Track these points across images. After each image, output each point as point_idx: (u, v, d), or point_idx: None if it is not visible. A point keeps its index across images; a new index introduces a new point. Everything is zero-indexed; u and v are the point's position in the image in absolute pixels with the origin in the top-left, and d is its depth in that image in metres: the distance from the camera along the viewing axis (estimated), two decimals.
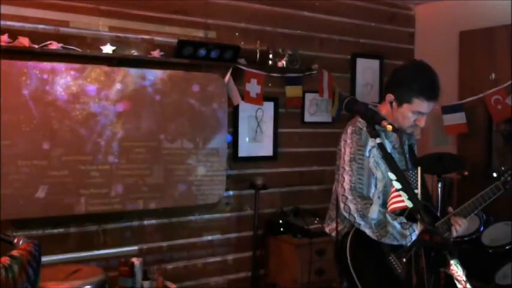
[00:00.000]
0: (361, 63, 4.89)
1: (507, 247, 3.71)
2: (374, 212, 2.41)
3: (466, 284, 1.55)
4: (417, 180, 2.05)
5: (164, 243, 3.94)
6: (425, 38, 5.12)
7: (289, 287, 4.03)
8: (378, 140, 1.89)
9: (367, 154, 2.40)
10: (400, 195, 1.83)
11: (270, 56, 4.24)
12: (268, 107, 4.34)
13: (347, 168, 2.41)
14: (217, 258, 4.20)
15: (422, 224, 1.67)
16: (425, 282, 2.14)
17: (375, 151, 2.39)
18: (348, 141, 2.45)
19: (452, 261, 1.57)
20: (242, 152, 4.25)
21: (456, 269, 1.57)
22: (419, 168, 2.10)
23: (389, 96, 2.45)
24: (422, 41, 5.16)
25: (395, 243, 2.34)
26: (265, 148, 4.38)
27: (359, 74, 4.87)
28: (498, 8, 4.38)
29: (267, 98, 4.24)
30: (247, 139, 4.27)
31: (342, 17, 4.74)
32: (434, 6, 5.02)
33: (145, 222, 3.84)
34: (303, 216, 4.22)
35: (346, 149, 2.44)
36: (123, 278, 3.41)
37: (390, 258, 2.38)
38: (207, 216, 4.12)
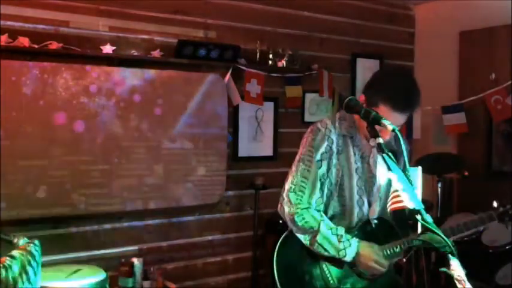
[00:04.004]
0: (361, 63, 4.89)
1: (507, 247, 3.71)
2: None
3: (466, 284, 1.55)
4: (417, 180, 2.05)
5: (164, 243, 3.94)
6: (425, 38, 5.12)
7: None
8: (378, 140, 1.88)
9: (317, 157, 2.24)
10: (399, 195, 1.83)
11: (270, 56, 4.24)
12: (268, 107, 4.34)
13: (293, 168, 2.29)
14: (217, 258, 4.20)
15: (422, 225, 1.67)
16: (425, 283, 2.13)
17: (342, 158, 2.23)
18: (304, 141, 2.32)
19: (452, 261, 1.57)
20: (242, 152, 4.24)
21: (456, 269, 1.57)
22: (419, 168, 2.10)
23: (361, 97, 2.21)
24: (422, 41, 5.16)
25: (326, 254, 2.20)
26: (265, 148, 4.38)
27: (359, 74, 4.87)
28: (498, 8, 4.38)
29: (267, 98, 4.24)
30: (247, 139, 4.27)
31: (342, 17, 4.74)
32: (434, 6, 5.02)
33: (145, 222, 3.84)
34: None
35: (300, 149, 2.32)
36: (123, 278, 3.41)
37: (322, 266, 2.25)
38: (207, 216, 4.12)
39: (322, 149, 2.25)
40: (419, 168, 2.17)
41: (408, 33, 5.20)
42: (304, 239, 2.22)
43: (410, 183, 1.69)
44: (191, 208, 3.98)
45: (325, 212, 2.29)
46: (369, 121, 1.90)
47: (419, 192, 2.09)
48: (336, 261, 2.22)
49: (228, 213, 4.23)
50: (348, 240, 2.19)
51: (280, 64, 4.26)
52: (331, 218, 2.28)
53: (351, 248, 2.18)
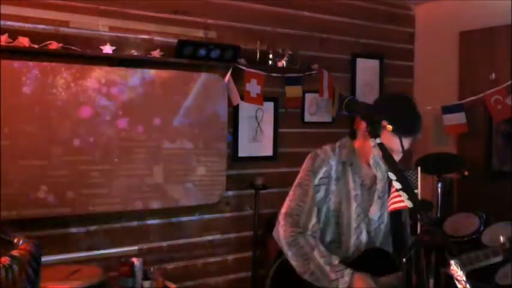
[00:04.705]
0: (361, 63, 4.89)
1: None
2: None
3: (466, 284, 1.55)
4: (417, 180, 2.04)
5: (164, 243, 3.94)
6: (425, 38, 5.12)
7: None
8: (378, 140, 1.88)
9: (315, 182, 2.21)
10: (400, 195, 1.83)
11: (270, 56, 4.24)
12: (268, 107, 4.34)
13: (291, 192, 2.26)
14: (217, 258, 4.20)
15: (422, 224, 1.67)
16: (425, 282, 2.13)
17: (341, 185, 2.20)
18: (304, 165, 2.30)
19: (452, 261, 1.57)
20: (242, 152, 4.24)
21: (456, 269, 1.57)
22: (419, 168, 2.09)
23: (362, 124, 2.16)
24: (422, 41, 5.16)
25: (318, 284, 2.11)
26: (265, 148, 4.38)
27: (359, 74, 4.87)
28: (498, 8, 4.38)
29: (267, 98, 4.23)
30: (247, 139, 4.27)
31: (342, 17, 4.74)
32: (434, 6, 5.02)
33: (146, 222, 3.84)
34: None
35: (299, 173, 2.29)
36: (123, 278, 3.41)
37: None
38: (207, 216, 4.12)
39: (320, 174, 2.23)
40: (419, 168, 2.17)
41: (408, 33, 5.20)
42: (297, 266, 2.16)
43: (410, 183, 1.69)
44: (191, 208, 3.98)
45: (322, 239, 2.24)
46: (369, 121, 1.90)
47: (419, 192, 2.09)
48: None
49: (228, 213, 4.23)
50: (341, 271, 2.10)
51: (280, 64, 4.26)
52: (328, 246, 2.23)
53: (343, 279, 2.08)
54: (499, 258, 2.27)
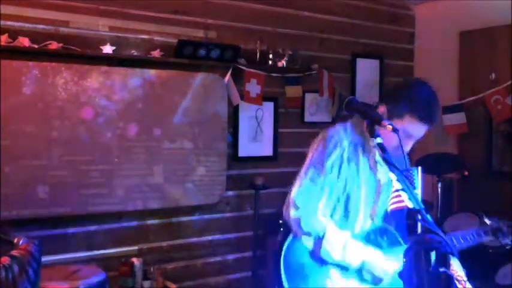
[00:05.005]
0: (361, 63, 4.89)
1: (507, 247, 3.71)
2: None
3: (466, 284, 1.55)
4: (417, 180, 2.04)
5: (164, 243, 3.94)
6: (425, 38, 5.12)
7: None
8: (378, 140, 1.88)
9: (329, 163, 2.20)
10: (400, 195, 1.83)
11: (270, 56, 4.24)
12: (268, 107, 4.34)
13: (302, 173, 2.24)
14: (217, 258, 4.20)
15: (422, 224, 1.67)
16: (425, 282, 2.13)
17: (352, 167, 2.21)
18: (315, 146, 2.27)
19: (452, 261, 1.57)
20: (242, 152, 4.25)
21: (456, 269, 1.57)
22: (419, 168, 2.09)
23: (381, 108, 2.20)
24: (422, 41, 5.16)
25: (331, 260, 2.16)
26: (265, 148, 4.38)
27: (359, 74, 4.87)
28: (498, 8, 4.38)
29: (267, 98, 4.24)
30: (247, 139, 4.27)
31: (342, 17, 4.74)
32: (434, 6, 5.02)
33: (145, 222, 3.84)
34: None
35: (310, 154, 2.27)
36: (123, 278, 3.41)
37: (331, 271, 2.19)
38: (207, 216, 4.12)
39: (334, 156, 2.22)
40: (419, 168, 2.16)
41: (408, 33, 5.20)
42: (309, 245, 2.18)
43: (411, 183, 1.69)
44: (191, 208, 3.98)
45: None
46: (369, 121, 1.90)
47: (419, 192, 2.09)
48: (343, 267, 2.18)
49: (228, 213, 4.23)
50: (355, 246, 2.16)
51: (280, 64, 4.26)
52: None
53: (357, 254, 2.15)
54: (489, 238, 2.39)
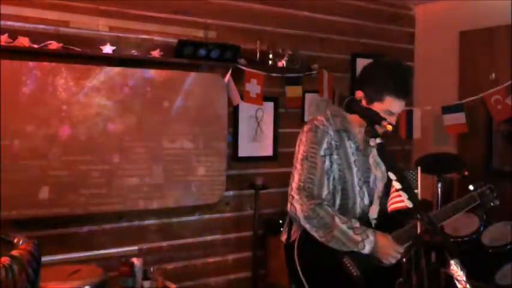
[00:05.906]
0: (361, 63, 4.86)
1: (507, 247, 3.71)
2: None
3: (466, 284, 1.55)
4: (417, 180, 2.05)
5: (164, 243, 3.94)
6: (425, 38, 5.12)
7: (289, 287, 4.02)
8: (378, 140, 1.88)
9: (321, 153, 2.28)
10: (400, 195, 1.83)
11: (270, 56, 4.24)
12: (268, 107, 4.34)
13: (298, 166, 2.30)
14: (217, 258, 4.20)
15: (422, 223, 1.67)
16: (425, 282, 2.13)
17: (341, 153, 2.30)
18: (303, 139, 2.34)
19: (452, 261, 1.57)
20: (242, 152, 4.24)
21: (456, 269, 1.57)
22: (419, 168, 2.10)
23: (359, 93, 2.31)
24: (422, 41, 5.16)
25: (344, 248, 2.20)
26: (265, 148, 4.38)
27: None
28: (498, 8, 4.39)
29: (267, 98, 4.24)
30: (247, 139, 4.27)
31: (342, 17, 4.74)
32: (434, 6, 5.02)
33: (145, 222, 3.84)
34: None
35: (300, 147, 2.34)
36: (123, 278, 3.41)
37: (345, 260, 2.23)
38: (207, 216, 4.12)
39: (324, 145, 2.30)
40: (419, 168, 2.17)
41: (408, 33, 5.20)
42: (319, 236, 2.21)
43: (410, 183, 1.70)
44: (191, 208, 3.98)
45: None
46: (369, 121, 1.90)
47: (419, 192, 2.09)
48: (356, 254, 2.22)
49: (228, 213, 4.23)
50: (365, 231, 2.21)
51: (280, 64, 4.26)
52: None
53: (368, 239, 2.19)
54: (477, 202, 2.56)
